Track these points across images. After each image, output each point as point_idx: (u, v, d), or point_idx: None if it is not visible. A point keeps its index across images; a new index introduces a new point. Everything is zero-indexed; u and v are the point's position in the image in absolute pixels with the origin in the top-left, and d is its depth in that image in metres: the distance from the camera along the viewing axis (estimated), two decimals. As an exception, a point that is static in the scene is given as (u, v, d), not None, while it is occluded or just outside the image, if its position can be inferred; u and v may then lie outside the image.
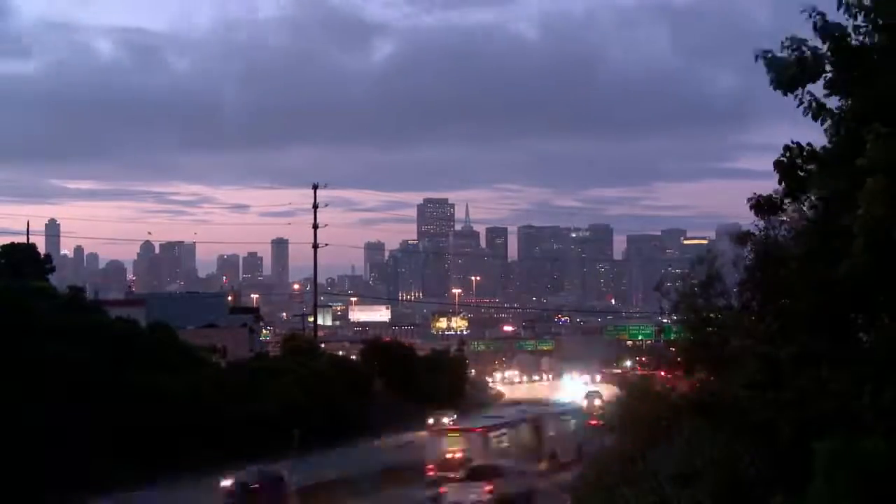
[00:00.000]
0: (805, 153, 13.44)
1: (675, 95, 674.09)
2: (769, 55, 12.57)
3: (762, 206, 14.54)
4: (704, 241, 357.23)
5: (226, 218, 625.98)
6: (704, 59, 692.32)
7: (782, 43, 12.52)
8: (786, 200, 14.24)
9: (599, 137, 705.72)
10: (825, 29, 12.20)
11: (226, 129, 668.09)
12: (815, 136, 13.36)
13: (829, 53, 12.33)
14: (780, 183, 13.85)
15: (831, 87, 12.67)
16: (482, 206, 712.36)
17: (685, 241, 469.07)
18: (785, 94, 12.62)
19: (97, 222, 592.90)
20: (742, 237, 17.83)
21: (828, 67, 12.51)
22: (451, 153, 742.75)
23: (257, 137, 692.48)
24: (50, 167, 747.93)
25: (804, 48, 12.38)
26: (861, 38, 12.26)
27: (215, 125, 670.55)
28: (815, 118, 12.72)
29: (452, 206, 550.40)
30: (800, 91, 12.57)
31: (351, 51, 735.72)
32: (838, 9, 12.15)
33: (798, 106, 12.67)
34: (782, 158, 13.54)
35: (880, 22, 12.04)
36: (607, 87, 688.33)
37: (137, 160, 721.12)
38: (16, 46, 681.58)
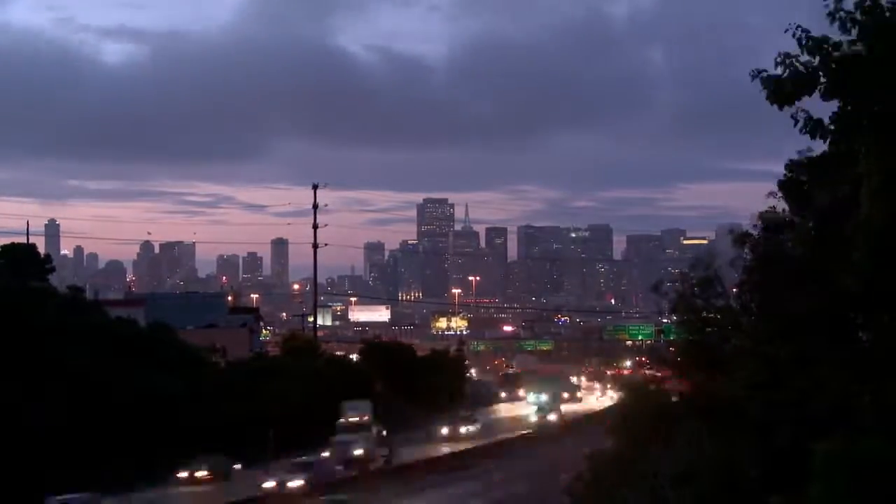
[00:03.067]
0: (806, 165, 13.49)
1: (701, 95, 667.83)
2: (764, 74, 12.61)
3: (771, 222, 14.61)
4: (704, 242, 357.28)
5: (242, 218, 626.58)
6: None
7: (775, 60, 12.60)
8: (794, 218, 14.29)
9: (619, 139, 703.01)
10: (812, 44, 12.25)
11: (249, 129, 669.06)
12: (815, 142, 13.41)
13: (820, 65, 12.38)
14: (786, 201, 13.92)
15: (827, 94, 12.71)
16: (497, 207, 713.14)
17: (685, 242, 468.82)
18: (781, 109, 12.68)
19: (112, 223, 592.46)
20: (741, 238, 17.86)
21: (821, 78, 12.56)
22: (468, 154, 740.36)
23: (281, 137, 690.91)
24: (72, 168, 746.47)
25: (796, 63, 12.45)
26: (856, 48, 12.31)
27: (240, 125, 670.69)
28: (812, 136, 12.79)
29: (452, 206, 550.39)
30: (795, 106, 12.62)
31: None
32: (831, 24, 12.21)
33: (795, 125, 12.75)
34: (786, 177, 13.59)
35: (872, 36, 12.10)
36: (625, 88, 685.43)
37: (161, 160, 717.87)
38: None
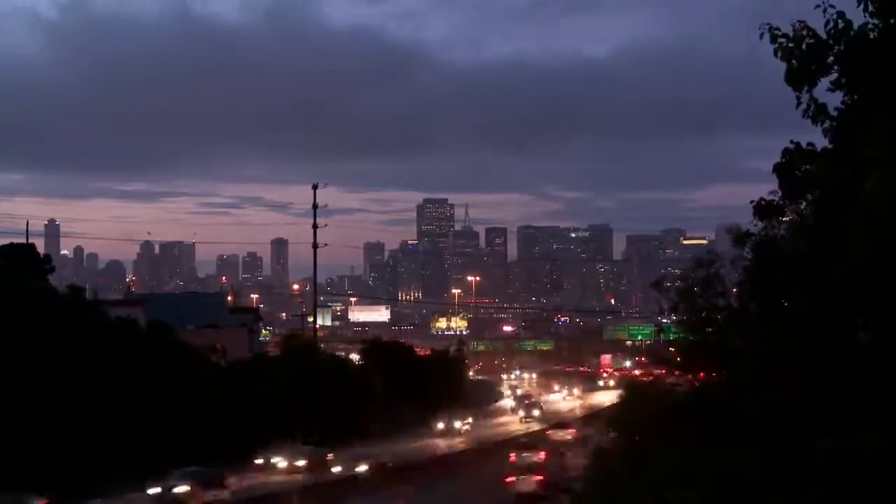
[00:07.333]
0: (804, 153, 13.43)
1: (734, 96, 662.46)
2: (780, 39, 12.49)
3: (764, 209, 14.57)
4: (704, 242, 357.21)
5: (265, 217, 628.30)
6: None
7: (793, 27, 12.48)
8: (786, 202, 14.25)
9: (643, 140, 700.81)
10: (842, 24, 12.14)
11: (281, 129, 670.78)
12: (816, 138, 13.37)
13: (841, 47, 12.29)
14: (780, 187, 13.88)
15: (838, 84, 12.63)
16: (515, 209, 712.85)
17: (685, 241, 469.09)
18: (795, 90, 12.60)
19: (131, 223, 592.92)
20: (741, 237, 17.84)
21: (835, 64, 12.48)
22: (492, 155, 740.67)
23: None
24: (99, 168, 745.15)
25: (814, 38, 12.33)
26: (876, 34, 12.25)
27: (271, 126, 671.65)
28: (814, 121, 12.72)
29: (452, 206, 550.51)
30: (804, 90, 12.54)
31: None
32: (858, 5, 12.13)
33: (797, 107, 12.66)
34: (782, 161, 13.54)
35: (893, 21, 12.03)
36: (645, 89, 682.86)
37: (189, 158, 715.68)
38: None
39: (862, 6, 12.08)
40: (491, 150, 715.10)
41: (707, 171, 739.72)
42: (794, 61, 12.36)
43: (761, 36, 12.49)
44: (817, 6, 12.19)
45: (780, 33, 12.48)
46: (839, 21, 12.16)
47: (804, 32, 12.34)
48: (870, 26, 12.16)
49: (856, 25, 12.23)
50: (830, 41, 12.25)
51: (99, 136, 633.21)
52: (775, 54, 12.49)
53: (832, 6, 12.15)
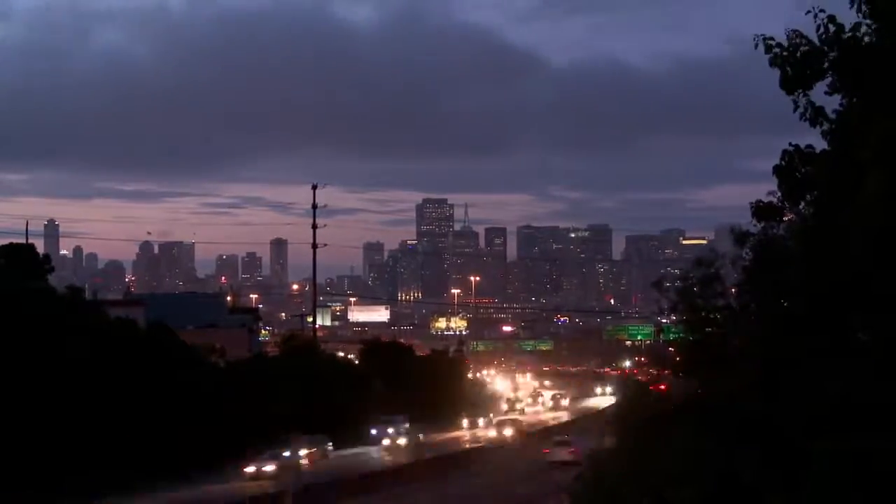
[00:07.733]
0: (803, 155, 13.47)
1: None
2: (774, 49, 12.58)
3: (763, 210, 14.60)
4: (703, 242, 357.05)
5: (268, 217, 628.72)
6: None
7: (787, 36, 12.59)
8: (785, 203, 14.29)
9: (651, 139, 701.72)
10: (833, 28, 12.20)
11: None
12: (816, 140, 13.41)
13: (835, 52, 12.36)
14: (779, 188, 13.93)
15: (835, 88, 12.68)
16: (514, 208, 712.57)
17: (684, 242, 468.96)
18: (790, 94, 12.69)
19: (134, 223, 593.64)
20: (741, 237, 17.86)
21: (830, 69, 12.53)
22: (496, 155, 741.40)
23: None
24: (101, 168, 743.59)
25: (808, 45, 12.42)
26: (871, 37, 12.30)
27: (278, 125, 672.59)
28: (812, 124, 12.79)
29: (451, 206, 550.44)
30: (799, 94, 12.62)
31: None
32: (850, 7, 12.21)
33: (795, 111, 12.74)
34: (781, 163, 13.59)
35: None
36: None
37: (193, 157, 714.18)
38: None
39: (855, 8, 12.16)
40: (490, 149, 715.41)
41: (711, 171, 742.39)
42: (788, 69, 12.50)
43: (756, 46, 12.64)
44: (808, 11, 12.29)
45: (773, 43, 12.62)
46: (830, 25, 12.24)
47: (798, 40, 12.45)
48: (863, 28, 12.22)
49: (847, 26, 12.30)
50: (825, 47, 12.33)
51: (103, 135, 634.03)
52: (770, 64, 12.64)
53: (822, 10, 12.25)
